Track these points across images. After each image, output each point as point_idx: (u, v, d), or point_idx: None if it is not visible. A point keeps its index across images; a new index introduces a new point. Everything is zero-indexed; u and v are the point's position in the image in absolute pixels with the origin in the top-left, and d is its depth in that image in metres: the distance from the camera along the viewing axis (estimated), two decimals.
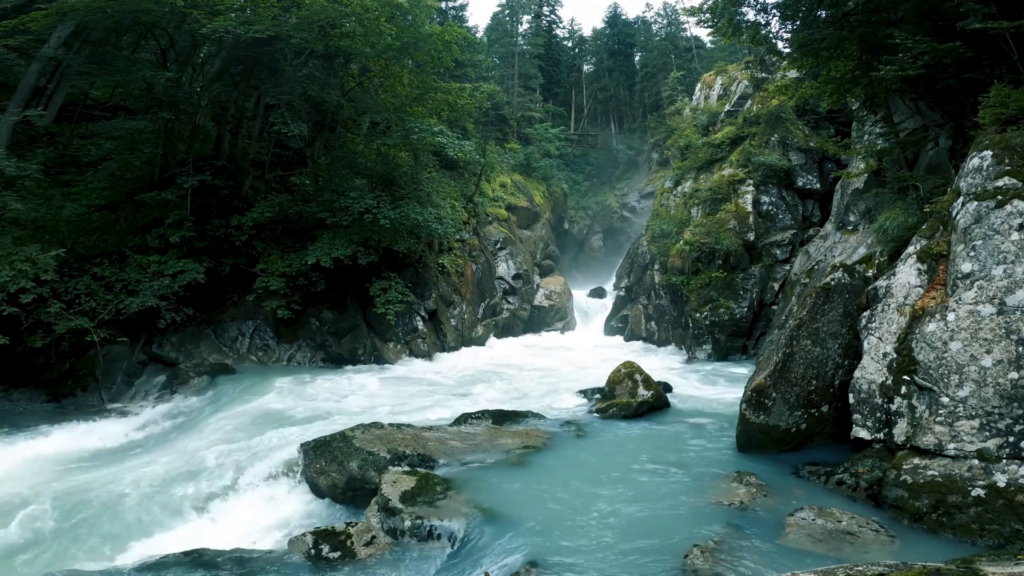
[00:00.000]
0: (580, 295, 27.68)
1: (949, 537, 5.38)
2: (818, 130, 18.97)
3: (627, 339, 21.38)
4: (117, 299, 12.28)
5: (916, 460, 6.00)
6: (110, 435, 10.07)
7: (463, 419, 9.51)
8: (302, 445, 7.98)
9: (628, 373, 10.89)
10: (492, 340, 20.95)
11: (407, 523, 6.03)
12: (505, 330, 22.22)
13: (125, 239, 13.46)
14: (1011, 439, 5.53)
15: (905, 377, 6.34)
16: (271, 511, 7.22)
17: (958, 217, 6.58)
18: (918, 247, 7.21)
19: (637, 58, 49.55)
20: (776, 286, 16.88)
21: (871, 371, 6.74)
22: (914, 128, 10.50)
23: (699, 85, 26.83)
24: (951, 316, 6.11)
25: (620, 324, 22.57)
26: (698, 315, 16.86)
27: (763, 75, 21.49)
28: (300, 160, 18.04)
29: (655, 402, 10.37)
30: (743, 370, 14.25)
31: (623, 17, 51.09)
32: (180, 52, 14.92)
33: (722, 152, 20.16)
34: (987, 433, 5.66)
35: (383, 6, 14.69)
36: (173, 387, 12.38)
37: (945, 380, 6.00)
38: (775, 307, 16.32)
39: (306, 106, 15.76)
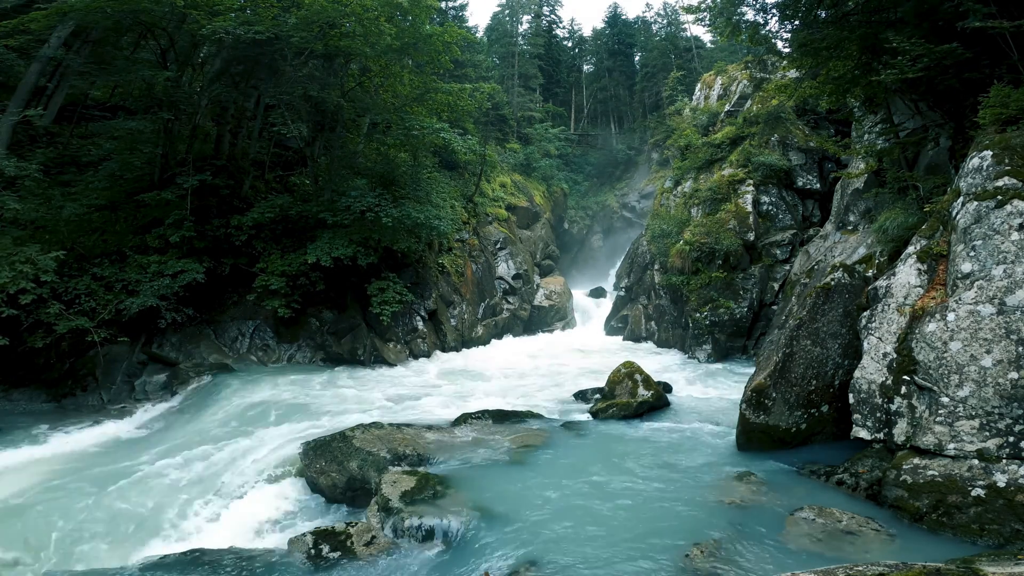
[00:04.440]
0: (580, 295, 27.68)
1: (949, 537, 5.38)
2: (818, 130, 18.97)
3: (627, 339, 21.38)
4: (117, 299, 12.28)
5: (916, 460, 6.01)
6: (110, 435, 10.07)
7: (463, 419, 9.52)
8: (302, 445, 7.99)
9: (628, 373, 10.90)
10: (492, 340, 20.96)
11: (407, 522, 6.03)
12: (505, 330, 22.22)
13: (125, 239, 13.46)
14: (1011, 439, 5.53)
15: (905, 377, 6.35)
16: (271, 511, 7.22)
17: (958, 217, 6.59)
18: (918, 247, 7.22)
19: (637, 58, 49.52)
20: (776, 286, 16.88)
21: (871, 371, 6.74)
22: (914, 128, 10.51)
23: (699, 85, 26.81)
24: (951, 316, 6.11)
25: (620, 324, 22.57)
26: (698, 315, 16.86)
27: (763, 75, 21.49)
28: (300, 160, 18.04)
29: (655, 402, 10.37)
30: (743, 370, 14.26)
31: (623, 17, 51.07)
32: (180, 52, 14.92)
33: (722, 152, 20.15)
34: (987, 433, 5.66)
35: (383, 6, 14.68)
36: (173, 387, 12.38)
37: (945, 380, 6.00)
38: (775, 307, 16.32)
39: (306, 106, 15.76)
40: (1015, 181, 6.17)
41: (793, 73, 14.28)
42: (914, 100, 10.24)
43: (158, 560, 5.68)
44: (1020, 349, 5.62)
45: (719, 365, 15.73)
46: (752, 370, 9.08)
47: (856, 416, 6.78)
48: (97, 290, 12.26)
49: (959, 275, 6.26)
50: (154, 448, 9.09)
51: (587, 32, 63.47)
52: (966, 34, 7.84)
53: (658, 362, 16.56)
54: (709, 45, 43.96)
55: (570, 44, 53.59)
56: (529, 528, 5.75)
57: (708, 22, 12.53)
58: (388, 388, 12.87)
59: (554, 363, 16.76)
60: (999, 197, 6.14)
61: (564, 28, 52.66)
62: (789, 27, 11.70)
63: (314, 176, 16.65)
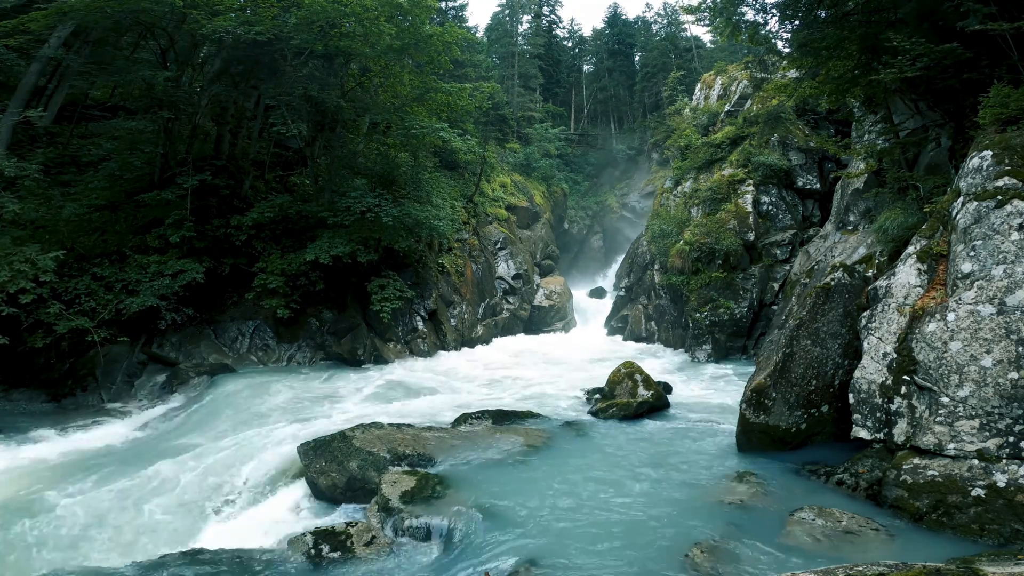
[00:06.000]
0: (580, 295, 27.67)
1: (949, 537, 5.38)
2: (818, 130, 18.97)
3: (627, 339, 21.37)
4: (117, 299, 12.27)
5: (916, 460, 6.00)
6: (110, 435, 10.06)
7: (463, 419, 9.52)
8: (302, 445, 7.98)
9: (628, 373, 10.90)
10: (492, 340, 20.96)
11: (407, 522, 6.03)
12: (505, 330, 22.22)
13: (125, 239, 13.45)
14: (1011, 439, 5.53)
15: (905, 377, 6.34)
16: (271, 511, 7.22)
17: (958, 217, 6.59)
18: (918, 247, 7.22)
19: (637, 58, 49.50)
20: (776, 286, 16.88)
21: (871, 371, 6.74)
22: (914, 128, 10.51)
23: (699, 85, 26.82)
24: (951, 316, 6.11)
25: (620, 324, 22.57)
26: (698, 315, 16.86)
27: (763, 75, 21.50)
28: (300, 160, 18.03)
29: (655, 402, 10.37)
30: (743, 370, 14.25)
31: (623, 17, 51.07)
32: (180, 52, 14.91)
33: (722, 152, 20.15)
34: (987, 433, 5.66)
35: (383, 6, 14.68)
36: (173, 387, 12.38)
37: (945, 380, 6.00)
38: (775, 307, 16.32)
39: (306, 106, 15.76)
40: (1015, 181, 6.17)
41: (793, 73, 14.28)
42: (914, 100, 10.25)
43: (158, 560, 5.68)
44: (1020, 349, 5.62)
45: (719, 365, 15.73)
46: (752, 370, 9.08)
47: (856, 416, 6.78)
48: (97, 290, 12.26)
49: (959, 275, 6.26)
50: (154, 448, 9.08)
51: (587, 32, 63.57)
52: (966, 34, 7.84)
53: (658, 362, 16.56)
54: (709, 45, 43.95)
55: (570, 44, 53.59)
56: (529, 528, 5.75)
57: (708, 22, 12.55)
58: (388, 388, 12.86)
59: (554, 363, 16.76)
60: (999, 197, 6.14)
61: (564, 28, 52.72)
62: (789, 27, 11.72)
63: (314, 176, 16.65)
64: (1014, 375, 5.59)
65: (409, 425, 8.99)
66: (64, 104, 14.57)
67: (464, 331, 19.63)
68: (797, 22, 11.26)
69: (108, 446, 9.52)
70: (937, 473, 5.75)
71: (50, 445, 9.28)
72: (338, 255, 14.19)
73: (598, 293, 28.62)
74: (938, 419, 5.96)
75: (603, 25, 51.52)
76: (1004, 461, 5.49)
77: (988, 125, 7.15)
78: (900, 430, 6.28)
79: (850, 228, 14.16)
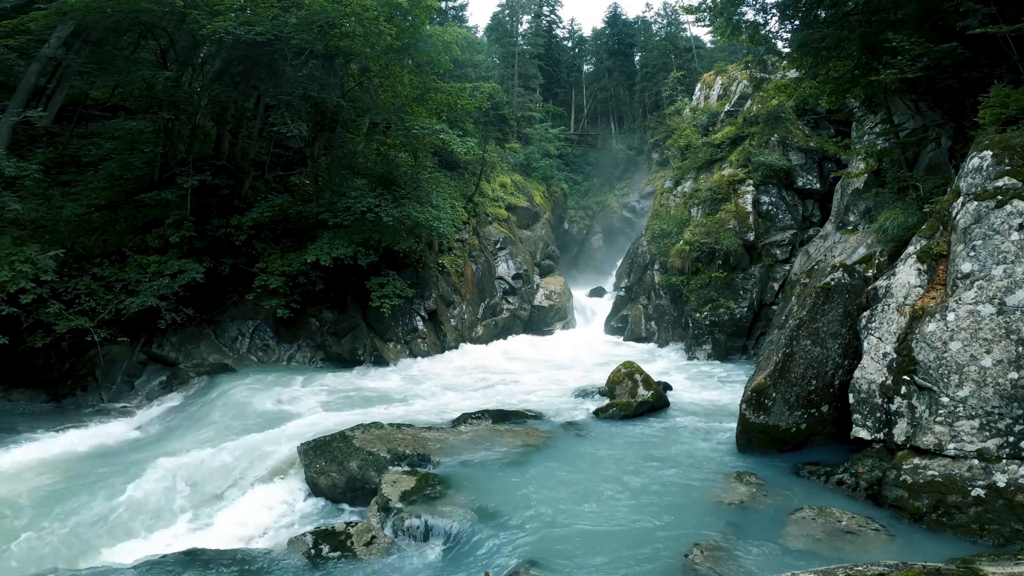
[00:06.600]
0: (580, 295, 27.67)
1: (949, 537, 5.38)
2: (818, 130, 18.97)
3: (627, 339, 21.37)
4: (117, 299, 12.28)
5: (916, 460, 6.00)
6: (110, 435, 10.06)
7: (463, 419, 9.52)
8: (302, 445, 7.99)
9: (628, 373, 10.90)
10: (492, 340, 20.94)
11: (407, 523, 6.03)
12: (505, 330, 22.20)
13: (125, 239, 13.46)
14: (1011, 439, 5.53)
15: (905, 377, 6.35)
16: (271, 511, 7.22)
17: (958, 217, 6.59)
18: (918, 247, 7.22)
19: (637, 58, 49.49)
20: (776, 286, 16.88)
21: (871, 371, 6.74)
22: (914, 128, 10.50)
23: (699, 85, 26.81)
24: (951, 316, 6.11)
25: (620, 324, 22.57)
26: (698, 315, 16.86)
27: (763, 75, 21.48)
28: (300, 160, 18.03)
29: (655, 402, 10.37)
30: (743, 370, 14.25)
31: (623, 17, 51.07)
32: (180, 52, 14.92)
33: (722, 152, 20.14)
34: (987, 433, 5.66)
35: (383, 6, 14.68)
36: (173, 387, 12.38)
37: (945, 380, 6.00)
38: (775, 307, 16.31)
39: (306, 106, 15.76)
40: (1015, 181, 6.17)
41: (793, 73, 14.27)
42: (914, 100, 10.25)
43: (158, 560, 5.68)
44: (1020, 349, 5.62)
45: (719, 365, 15.72)
46: (752, 370, 9.08)
47: (856, 416, 6.78)
48: (97, 290, 12.26)
49: (959, 275, 6.26)
50: (154, 449, 9.08)
51: (587, 32, 63.59)
52: (966, 34, 7.84)
53: (658, 362, 16.56)
54: (709, 45, 43.97)
55: (570, 44, 53.59)
56: (529, 528, 5.75)
57: (708, 22, 12.54)
58: (388, 388, 12.87)
59: (554, 363, 16.76)
60: (999, 197, 6.14)
61: (564, 28, 52.71)
62: (789, 27, 11.72)
63: (314, 176, 16.65)
64: (1014, 375, 5.59)
65: (409, 425, 8.99)
66: (64, 104, 14.58)
67: (464, 331, 19.63)
68: (797, 22, 11.26)
69: (108, 446, 9.53)
70: (937, 473, 5.75)
71: (49, 445, 9.27)
72: (339, 256, 14.19)
73: (598, 293, 28.63)
74: (938, 419, 5.96)
75: (603, 25, 51.57)
76: (1004, 461, 5.49)
77: (988, 125, 7.15)
78: (900, 430, 6.28)
79: (850, 228, 14.15)
